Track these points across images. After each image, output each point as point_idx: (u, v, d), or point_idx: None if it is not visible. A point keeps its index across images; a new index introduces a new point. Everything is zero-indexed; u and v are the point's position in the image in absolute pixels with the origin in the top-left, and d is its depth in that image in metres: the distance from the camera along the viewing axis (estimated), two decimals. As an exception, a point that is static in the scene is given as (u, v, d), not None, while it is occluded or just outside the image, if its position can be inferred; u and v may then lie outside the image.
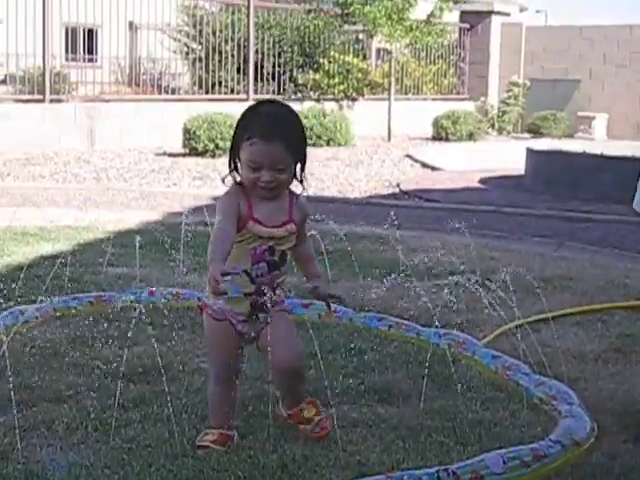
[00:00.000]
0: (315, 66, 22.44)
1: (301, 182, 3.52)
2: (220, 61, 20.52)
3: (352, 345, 4.71)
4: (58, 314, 5.17)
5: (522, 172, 13.63)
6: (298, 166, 3.48)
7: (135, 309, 3.63)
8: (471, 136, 21.08)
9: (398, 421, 3.75)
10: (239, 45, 20.70)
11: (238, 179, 3.49)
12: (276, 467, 3.27)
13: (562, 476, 3.26)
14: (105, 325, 4.95)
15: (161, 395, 3.87)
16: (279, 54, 21.74)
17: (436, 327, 4.54)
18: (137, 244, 6.17)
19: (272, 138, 3.34)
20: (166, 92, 20.20)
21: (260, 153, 3.35)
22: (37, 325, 4.92)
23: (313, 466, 3.29)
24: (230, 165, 3.50)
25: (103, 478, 3.17)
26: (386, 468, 3.25)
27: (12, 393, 3.48)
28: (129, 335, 3.87)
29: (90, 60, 22.39)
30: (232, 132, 3.51)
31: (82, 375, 4.21)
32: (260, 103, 3.52)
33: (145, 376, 4.20)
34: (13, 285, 5.49)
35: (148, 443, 3.47)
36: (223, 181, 3.53)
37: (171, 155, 16.28)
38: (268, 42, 21.38)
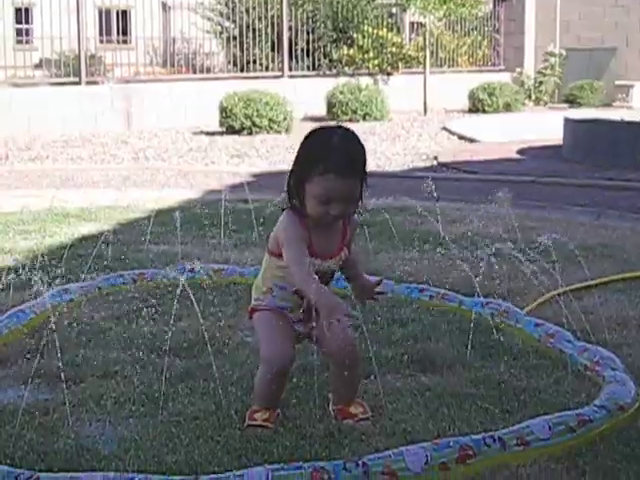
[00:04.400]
0: (349, 41, 22.41)
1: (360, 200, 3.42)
2: (254, 39, 20.53)
3: (394, 316, 4.73)
4: (102, 292, 5.22)
5: (560, 142, 13.54)
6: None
7: (178, 286, 3.67)
8: (508, 107, 20.97)
9: (442, 389, 3.76)
10: (272, 22, 20.69)
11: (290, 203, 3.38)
12: (323, 437, 3.29)
13: (607, 441, 3.26)
14: (149, 302, 4.99)
15: (207, 369, 3.91)
16: (312, 30, 21.71)
17: (478, 296, 4.56)
18: (177, 222, 6.21)
19: (349, 175, 3.25)
20: (201, 71, 20.24)
21: (335, 189, 3.24)
22: (82, 303, 4.96)
23: (359, 435, 3.31)
24: (292, 194, 3.36)
25: (152, 451, 3.21)
26: (432, 436, 3.26)
27: (60, 370, 3.52)
28: (173, 311, 3.91)
29: (124, 42, 22.48)
30: (296, 157, 3.36)
31: (128, 351, 4.25)
32: (327, 132, 3.38)
33: (190, 351, 4.24)
34: (57, 265, 5.55)
35: (195, 416, 3.50)
36: (283, 210, 3.41)
37: (208, 134, 16.33)
38: (301, 18, 21.35)
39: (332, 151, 3.26)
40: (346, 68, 21.86)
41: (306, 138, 3.40)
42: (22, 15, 21.75)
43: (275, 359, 3.36)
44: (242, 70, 20.31)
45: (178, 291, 3.69)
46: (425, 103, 20.38)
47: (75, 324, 4.64)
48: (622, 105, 22.82)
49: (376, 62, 22.03)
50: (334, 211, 3.29)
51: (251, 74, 20.00)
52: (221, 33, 22.33)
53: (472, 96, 21.20)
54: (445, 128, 17.28)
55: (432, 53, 22.46)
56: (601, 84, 23.86)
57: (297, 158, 3.37)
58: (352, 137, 3.35)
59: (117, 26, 21.12)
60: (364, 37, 22.19)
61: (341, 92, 18.75)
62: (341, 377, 3.47)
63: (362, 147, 3.36)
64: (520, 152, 13.83)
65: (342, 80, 19.96)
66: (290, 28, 20.78)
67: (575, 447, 3.19)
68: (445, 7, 20.80)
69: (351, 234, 3.51)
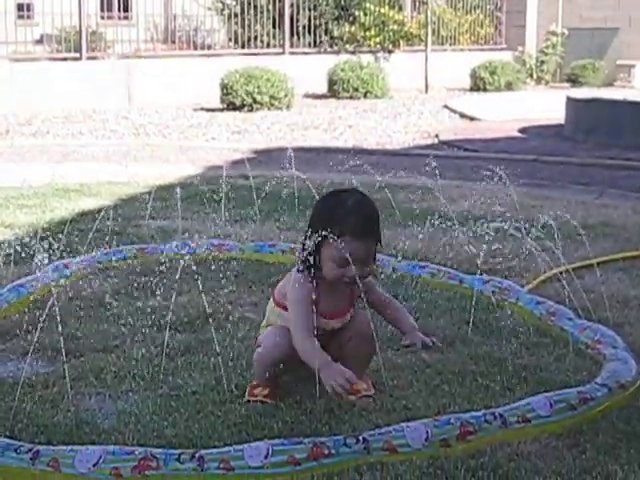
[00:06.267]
0: (350, 18, 22.29)
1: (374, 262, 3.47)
2: (255, 15, 20.44)
3: (396, 292, 4.71)
4: (102, 266, 5.21)
5: (562, 121, 13.50)
6: None
7: (178, 261, 3.66)
8: (509, 86, 20.91)
9: (443, 366, 3.76)
10: (274, -1, 20.61)
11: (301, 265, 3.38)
12: (323, 412, 3.29)
13: (608, 419, 3.26)
14: (149, 276, 4.98)
15: (207, 344, 3.92)
16: (314, 7, 21.60)
17: (479, 274, 4.54)
18: (178, 197, 6.20)
19: (365, 236, 3.30)
20: (202, 48, 20.16)
21: (352, 252, 3.25)
22: (82, 278, 4.95)
23: (360, 410, 3.31)
24: (307, 260, 3.33)
25: (152, 425, 3.21)
26: (432, 412, 3.27)
27: (60, 343, 3.52)
28: (173, 286, 3.90)
29: (125, 18, 22.36)
30: (311, 221, 3.38)
31: (128, 325, 4.24)
32: (342, 195, 3.40)
33: (190, 325, 4.24)
34: (57, 239, 5.53)
35: (195, 390, 3.50)
36: (299, 271, 3.38)
37: (209, 110, 16.29)
38: (303, -5, 21.26)
39: (348, 214, 3.29)
40: (347, 45, 21.76)
41: (321, 201, 3.45)
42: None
43: (277, 356, 3.38)
44: (243, 47, 20.24)
45: (178, 266, 3.68)
46: (426, 81, 20.32)
47: (75, 298, 4.64)
48: (624, 85, 22.75)
49: (377, 40, 21.94)
50: (351, 273, 3.29)
51: (252, 51, 19.93)
52: (222, 10, 22.21)
53: (473, 74, 21.13)
54: (446, 106, 17.22)
55: (434, 31, 22.36)
56: (603, 64, 23.76)
57: (312, 221, 3.39)
58: (366, 200, 3.39)
59: (118, 2, 20.98)
60: (366, 14, 22.08)
61: (342, 69, 18.70)
62: (358, 354, 3.47)
63: (376, 210, 3.40)
64: (521, 131, 13.80)
65: (343, 57, 19.89)
66: (292, 5, 20.69)
67: (576, 425, 3.19)
68: (447, -16, 20.74)
69: (367, 290, 3.45)
